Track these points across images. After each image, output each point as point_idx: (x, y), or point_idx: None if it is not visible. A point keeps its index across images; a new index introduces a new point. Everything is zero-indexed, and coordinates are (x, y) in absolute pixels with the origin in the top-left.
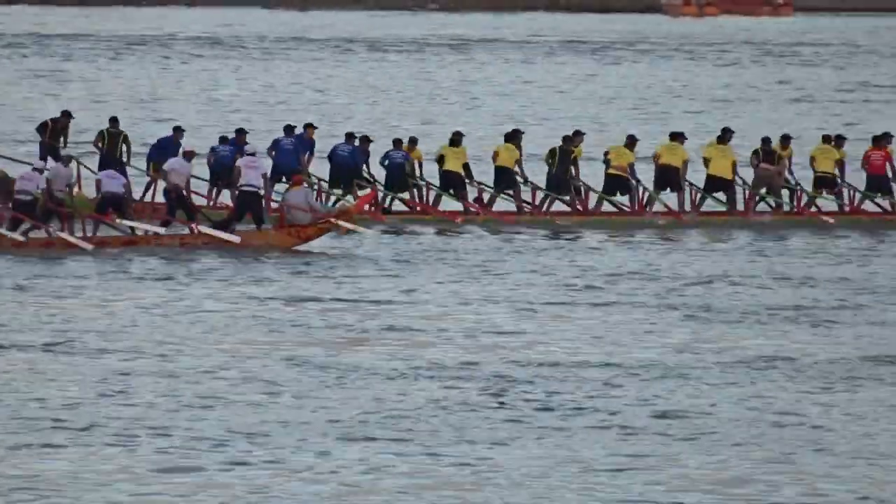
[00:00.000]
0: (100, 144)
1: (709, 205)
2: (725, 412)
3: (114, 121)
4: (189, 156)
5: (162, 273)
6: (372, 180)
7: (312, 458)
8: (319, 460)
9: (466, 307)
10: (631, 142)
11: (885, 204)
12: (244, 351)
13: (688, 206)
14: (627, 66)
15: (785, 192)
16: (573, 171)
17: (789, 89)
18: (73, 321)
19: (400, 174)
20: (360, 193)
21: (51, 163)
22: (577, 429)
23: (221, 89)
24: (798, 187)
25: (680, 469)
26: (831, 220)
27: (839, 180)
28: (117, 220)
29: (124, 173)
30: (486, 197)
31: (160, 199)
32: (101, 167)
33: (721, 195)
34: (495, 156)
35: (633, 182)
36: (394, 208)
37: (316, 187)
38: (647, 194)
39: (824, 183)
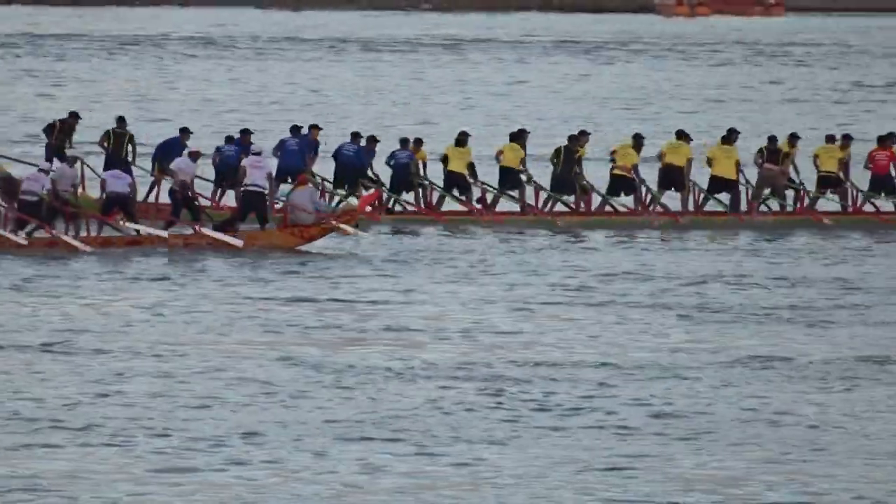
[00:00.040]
0: (105, 144)
1: (711, 205)
2: (723, 412)
3: (120, 121)
4: (195, 156)
5: (164, 273)
6: (376, 180)
7: (310, 459)
8: (317, 460)
9: (466, 308)
10: (637, 142)
11: (889, 204)
12: (242, 351)
13: (691, 206)
14: (620, 66)
15: (790, 193)
16: (577, 170)
17: (782, 89)
18: (74, 321)
19: (405, 174)
20: (364, 193)
21: (56, 163)
22: (575, 429)
23: (215, 89)
24: (801, 187)
25: (677, 469)
26: (827, 221)
27: (843, 179)
28: (121, 223)
29: (129, 173)
30: (489, 197)
31: (163, 199)
32: (107, 167)
33: (724, 196)
34: (500, 155)
35: (638, 182)
36: (396, 209)
37: (320, 187)
38: (650, 195)
39: (828, 182)
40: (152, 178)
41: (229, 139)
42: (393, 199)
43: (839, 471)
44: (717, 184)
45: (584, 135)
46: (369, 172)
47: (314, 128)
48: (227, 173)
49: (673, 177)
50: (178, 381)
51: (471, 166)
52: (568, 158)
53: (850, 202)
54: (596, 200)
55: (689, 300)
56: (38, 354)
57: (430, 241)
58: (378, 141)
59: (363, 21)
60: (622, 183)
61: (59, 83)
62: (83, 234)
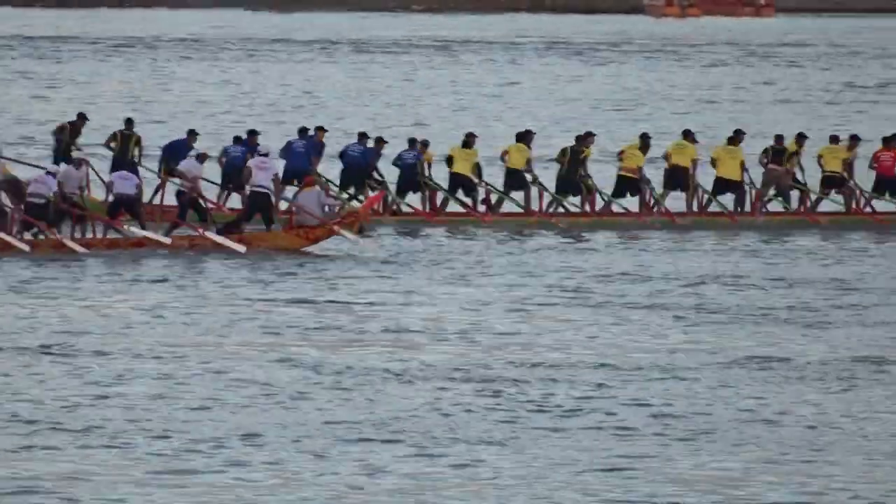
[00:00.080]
0: (112, 145)
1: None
2: (722, 413)
3: (128, 122)
4: (202, 158)
5: (167, 275)
6: (382, 182)
7: (310, 460)
8: (317, 462)
9: (466, 309)
10: (644, 142)
11: (889, 205)
12: (243, 353)
13: (695, 207)
14: (611, 67)
15: (794, 193)
16: (581, 172)
17: (774, 90)
18: (75, 323)
19: (411, 174)
20: (371, 195)
21: (62, 165)
22: (574, 430)
23: (207, 91)
24: (804, 187)
25: (676, 469)
26: (823, 221)
27: (847, 180)
28: (126, 226)
29: (136, 174)
30: (493, 198)
31: (168, 201)
32: (113, 168)
33: (728, 197)
34: (504, 155)
35: (643, 183)
36: (401, 210)
37: (326, 189)
38: (654, 195)
39: (832, 182)
40: (158, 180)
41: (237, 140)
42: (397, 200)
43: (838, 471)
44: (721, 185)
45: (589, 136)
46: (375, 174)
47: (319, 129)
48: (233, 174)
49: (678, 177)
50: (179, 382)
51: (476, 167)
52: (573, 159)
53: (854, 203)
54: (599, 202)
55: (688, 301)
56: (38, 356)
57: (430, 243)
58: (386, 142)
59: (353, 22)
60: (627, 184)
61: (52, 85)
62: (89, 236)
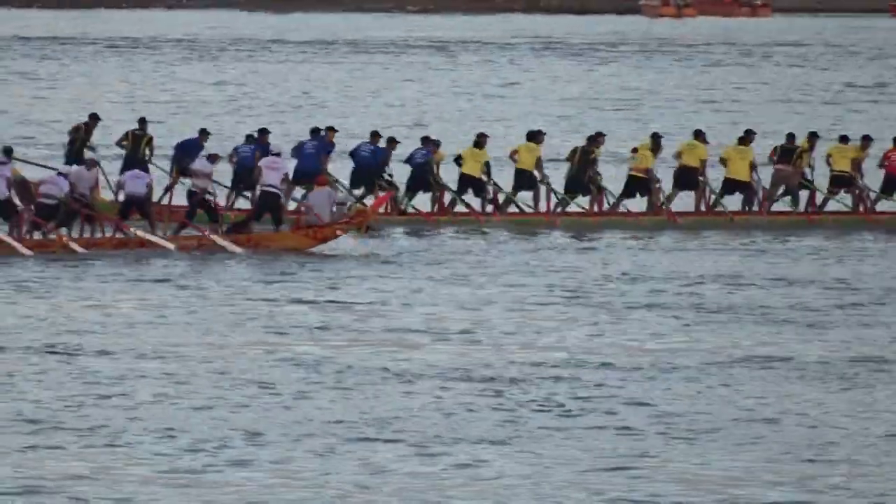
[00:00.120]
0: (124, 143)
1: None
2: (724, 412)
3: (141, 122)
4: (213, 159)
5: (172, 275)
6: (390, 182)
7: (312, 459)
8: (320, 461)
9: (468, 309)
10: (654, 142)
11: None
12: (245, 353)
13: (702, 207)
14: (608, 67)
15: (804, 193)
16: (590, 173)
17: (772, 90)
18: (78, 323)
19: (421, 173)
20: (381, 194)
21: (73, 167)
22: (577, 429)
23: (205, 91)
24: (811, 185)
25: (677, 470)
26: (827, 220)
27: (856, 179)
28: (131, 230)
29: (147, 172)
30: (500, 198)
31: (177, 201)
32: (125, 167)
33: (737, 197)
34: (514, 155)
35: (652, 184)
36: (407, 211)
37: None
38: (663, 194)
39: (840, 182)
40: (169, 180)
41: (249, 138)
42: (406, 200)
43: (839, 470)
44: (730, 185)
45: (600, 136)
46: (385, 174)
47: (330, 130)
48: (243, 174)
49: (688, 177)
50: (182, 382)
51: (486, 166)
52: (583, 159)
53: (859, 202)
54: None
55: (689, 300)
56: (43, 356)
57: (432, 243)
58: (398, 142)
59: (349, 23)
60: (637, 184)
61: (51, 86)
62: (98, 236)
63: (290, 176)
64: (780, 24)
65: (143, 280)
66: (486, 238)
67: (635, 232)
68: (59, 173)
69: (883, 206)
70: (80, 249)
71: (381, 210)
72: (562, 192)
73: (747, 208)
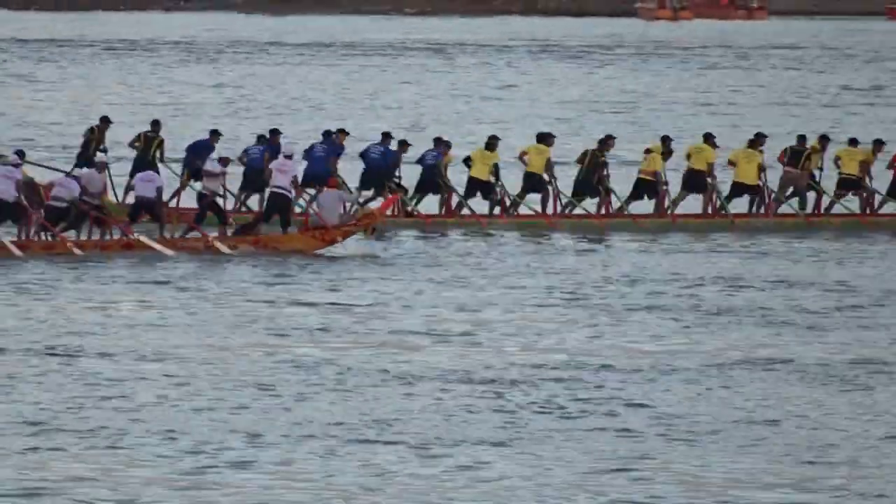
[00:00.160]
0: (136, 145)
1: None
2: (726, 414)
3: (154, 124)
4: (224, 162)
5: (175, 276)
6: (399, 185)
7: (314, 461)
8: (321, 463)
9: (468, 311)
10: (664, 145)
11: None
12: (247, 354)
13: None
14: (604, 70)
15: (811, 195)
16: (598, 175)
17: (770, 92)
18: (80, 324)
19: (430, 174)
20: (390, 196)
21: (84, 169)
22: (578, 431)
23: (203, 93)
24: (818, 186)
25: (678, 472)
26: (811, 222)
27: (863, 182)
28: (134, 234)
29: (158, 174)
30: (507, 201)
31: (184, 204)
32: (135, 169)
33: (745, 200)
34: (524, 156)
35: (661, 186)
36: (413, 212)
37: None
38: (669, 197)
39: (847, 184)
40: (179, 183)
41: (260, 139)
42: (414, 202)
43: (840, 473)
44: (738, 188)
45: (610, 139)
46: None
47: (341, 132)
48: (253, 175)
49: (695, 179)
50: (182, 384)
51: (494, 168)
52: (593, 161)
53: (866, 205)
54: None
55: (690, 302)
56: (43, 358)
57: (435, 245)
58: (409, 145)
59: (346, 25)
60: (646, 186)
61: (48, 88)
62: (106, 238)
63: (301, 178)
64: (776, 27)
65: (144, 282)
66: (488, 240)
67: (637, 234)
68: (71, 176)
69: (885, 207)
70: (79, 252)
71: (389, 212)
72: (570, 194)
73: (756, 210)
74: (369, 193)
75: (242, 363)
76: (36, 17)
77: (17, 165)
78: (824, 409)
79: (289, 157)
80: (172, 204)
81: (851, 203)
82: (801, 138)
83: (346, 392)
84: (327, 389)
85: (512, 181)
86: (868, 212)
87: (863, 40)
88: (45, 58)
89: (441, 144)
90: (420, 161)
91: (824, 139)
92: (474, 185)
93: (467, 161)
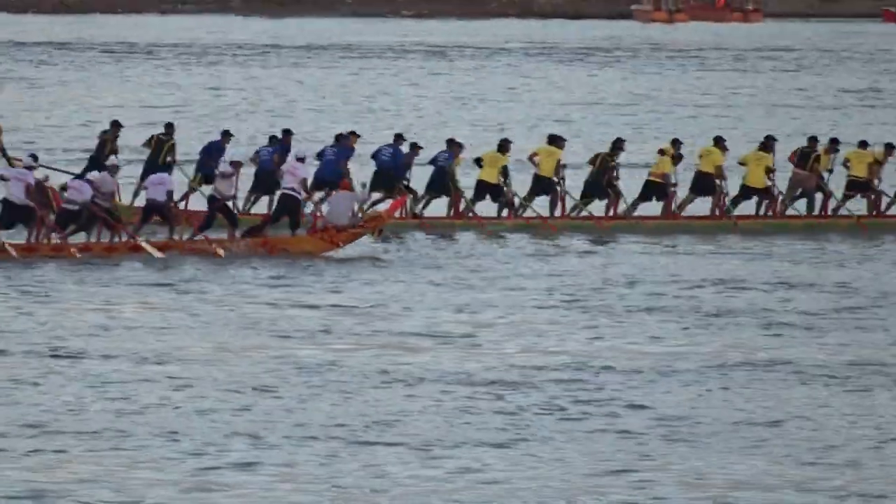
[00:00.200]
0: (149, 145)
1: (739, 207)
2: (728, 416)
3: (168, 126)
4: (236, 166)
5: (182, 278)
6: (408, 187)
7: (313, 463)
8: (320, 465)
9: (469, 313)
10: (677, 155)
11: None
12: (249, 356)
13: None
14: (601, 71)
15: (819, 196)
16: (609, 176)
17: (765, 94)
18: (81, 326)
19: (441, 175)
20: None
21: (95, 173)
22: (580, 432)
23: (202, 95)
24: (826, 187)
25: (680, 473)
26: (815, 223)
27: (872, 184)
28: (140, 240)
29: (170, 175)
30: (515, 201)
31: (193, 206)
32: (145, 171)
33: (753, 202)
34: (534, 157)
35: (669, 188)
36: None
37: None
38: (676, 200)
39: (856, 186)
40: (189, 186)
41: (272, 140)
42: (422, 204)
43: (841, 474)
44: (747, 191)
45: (621, 142)
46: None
47: (352, 134)
48: (263, 176)
49: (703, 182)
50: (184, 386)
51: (504, 169)
52: (604, 164)
53: (874, 207)
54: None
55: (691, 304)
56: (46, 360)
57: (436, 247)
58: (421, 148)
59: (343, 27)
60: (655, 188)
61: (46, 91)
62: (115, 240)
63: (312, 181)
64: (772, 29)
65: (146, 284)
66: (492, 242)
67: (642, 236)
68: (85, 179)
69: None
70: (79, 255)
71: (397, 214)
72: (578, 195)
73: (766, 212)
74: (378, 195)
75: (244, 365)
76: (33, 20)
77: (30, 168)
78: (826, 410)
79: (301, 159)
80: (181, 206)
81: (849, 206)
82: (812, 140)
83: (347, 393)
84: (329, 391)
85: (522, 182)
86: (875, 213)
87: (858, 42)
88: (44, 61)
89: (454, 146)
90: (432, 162)
91: (834, 142)
92: (483, 188)
93: (479, 161)
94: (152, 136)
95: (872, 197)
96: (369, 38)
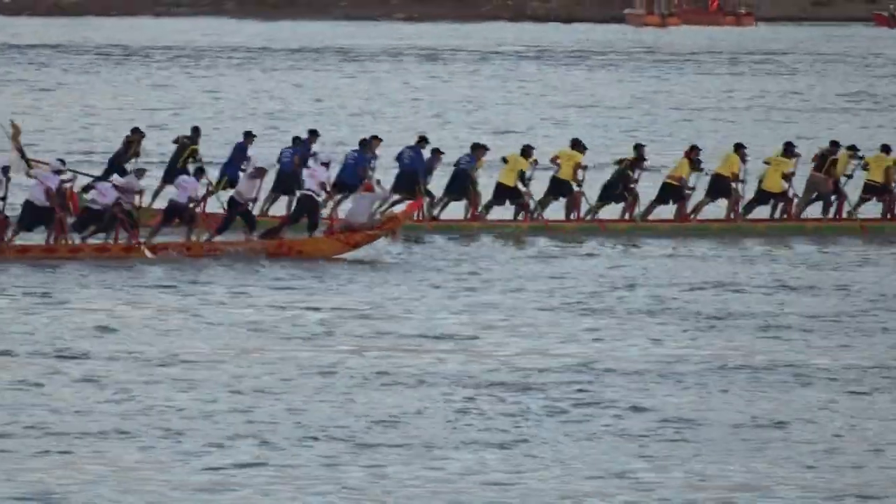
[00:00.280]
0: (176, 142)
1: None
2: (732, 418)
3: (194, 130)
4: (260, 173)
5: (177, 280)
6: (426, 190)
7: (314, 464)
8: (321, 466)
9: (472, 314)
10: (696, 163)
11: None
12: (250, 357)
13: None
14: (594, 74)
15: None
16: (625, 181)
17: (762, 97)
18: (88, 327)
19: (461, 178)
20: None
21: (115, 176)
22: (582, 434)
23: (199, 98)
24: (842, 191)
25: (680, 475)
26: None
27: (889, 188)
28: (144, 247)
29: (197, 180)
30: (532, 204)
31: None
32: (166, 174)
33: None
34: (556, 159)
35: (687, 191)
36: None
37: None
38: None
39: (872, 190)
40: (209, 188)
41: (295, 141)
42: (440, 206)
43: (843, 476)
44: (764, 195)
45: (640, 147)
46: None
47: (374, 139)
48: (283, 177)
49: (719, 184)
50: (189, 386)
51: (520, 173)
52: (630, 167)
53: (889, 211)
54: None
55: (693, 307)
56: (50, 361)
57: (440, 250)
58: (442, 153)
59: (337, 30)
60: (671, 191)
61: (41, 95)
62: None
63: (330, 184)
64: (764, 33)
65: (149, 286)
66: (503, 244)
67: (654, 239)
68: (109, 181)
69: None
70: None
71: (414, 216)
72: (595, 199)
73: (783, 216)
74: (398, 197)
75: (248, 366)
76: (28, 23)
77: (58, 172)
78: (828, 412)
79: (325, 164)
80: (199, 209)
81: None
82: (833, 144)
83: (350, 395)
84: (332, 392)
85: (534, 186)
86: (890, 217)
87: (851, 46)
88: (44, 63)
89: (478, 149)
90: (456, 164)
91: (853, 149)
92: (502, 191)
93: (505, 159)
94: (178, 138)
95: (888, 200)
96: (362, 42)
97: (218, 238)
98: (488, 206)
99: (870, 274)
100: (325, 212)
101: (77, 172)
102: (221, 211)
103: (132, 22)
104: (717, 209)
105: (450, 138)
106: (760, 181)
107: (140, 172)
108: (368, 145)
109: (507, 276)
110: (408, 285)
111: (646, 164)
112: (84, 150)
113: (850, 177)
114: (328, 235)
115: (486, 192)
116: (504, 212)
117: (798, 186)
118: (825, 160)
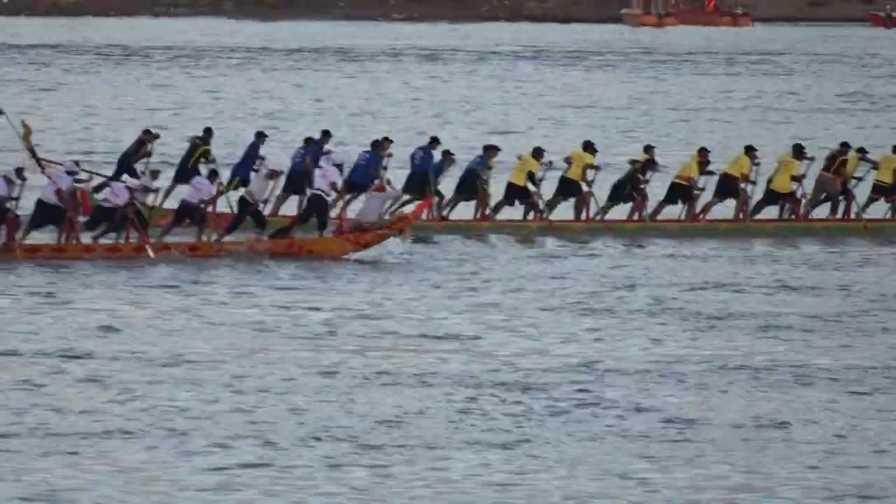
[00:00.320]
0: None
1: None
2: (727, 419)
3: (207, 131)
4: (272, 175)
5: (180, 280)
6: (436, 191)
7: (316, 465)
8: (323, 467)
9: (474, 315)
10: (704, 160)
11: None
12: (252, 358)
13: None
14: (591, 74)
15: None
16: (634, 182)
17: (760, 98)
18: (89, 328)
19: (471, 179)
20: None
21: (128, 178)
22: (585, 434)
23: (199, 98)
24: (850, 192)
25: (681, 476)
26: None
27: None
28: (147, 247)
29: (211, 182)
30: (540, 204)
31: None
32: (177, 174)
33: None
34: (569, 160)
35: (696, 191)
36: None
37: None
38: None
39: (880, 190)
40: (220, 188)
41: (308, 141)
42: (450, 206)
43: (844, 476)
44: (772, 196)
45: (651, 149)
46: (432, 182)
47: (387, 140)
48: (294, 177)
49: (727, 185)
50: (192, 387)
51: (530, 174)
52: (637, 170)
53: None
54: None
55: (694, 307)
56: (53, 361)
57: (446, 249)
58: (453, 155)
59: (336, 30)
60: (680, 191)
61: (41, 95)
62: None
63: (341, 185)
64: (761, 33)
65: (153, 286)
66: (510, 244)
67: (662, 239)
68: (122, 182)
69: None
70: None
71: (423, 216)
72: (604, 199)
73: (791, 216)
74: (408, 197)
75: (252, 367)
76: (28, 23)
77: (71, 173)
78: (829, 413)
79: (338, 165)
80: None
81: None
82: (844, 144)
83: (353, 395)
84: (335, 392)
85: (544, 187)
86: (889, 217)
87: (848, 46)
88: (44, 63)
89: (490, 150)
90: (468, 165)
91: (862, 151)
92: (512, 191)
93: (520, 157)
94: (191, 137)
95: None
96: (362, 42)
97: (227, 238)
98: (499, 207)
99: (871, 274)
100: (334, 212)
101: (93, 173)
102: (230, 210)
103: (131, 22)
104: (726, 209)
105: (450, 138)
106: (769, 182)
107: (155, 174)
108: (381, 146)
109: (510, 275)
110: (410, 285)
111: (658, 165)
112: (84, 150)
113: (860, 179)
114: (338, 235)
115: (496, 193)
116: (513, 212)
117: (809, 188)
118: (834, 160)
